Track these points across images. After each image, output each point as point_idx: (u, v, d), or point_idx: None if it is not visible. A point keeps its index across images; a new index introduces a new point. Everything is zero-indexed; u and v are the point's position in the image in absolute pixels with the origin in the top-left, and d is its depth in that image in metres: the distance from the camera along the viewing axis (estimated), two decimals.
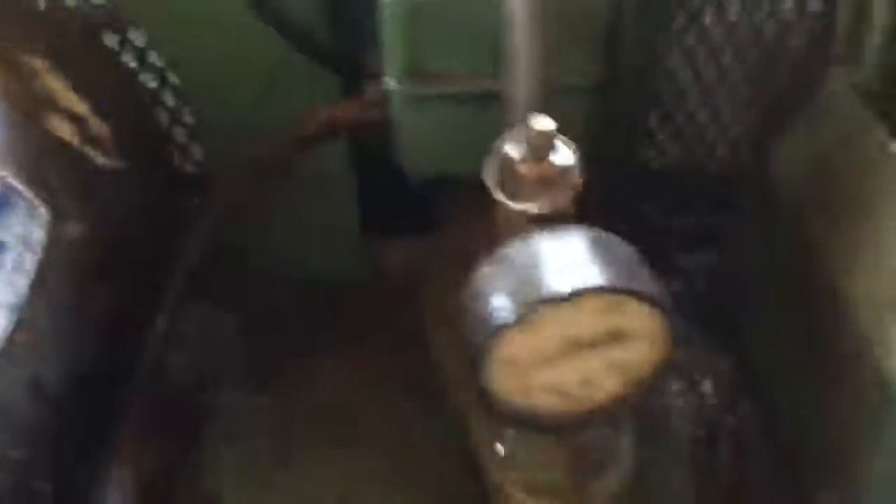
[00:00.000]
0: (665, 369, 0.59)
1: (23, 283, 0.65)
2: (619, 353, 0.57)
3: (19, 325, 0.62)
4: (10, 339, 0.61)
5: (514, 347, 0.55)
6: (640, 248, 0.81)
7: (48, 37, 0.83)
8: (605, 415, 0.60)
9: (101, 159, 0.80)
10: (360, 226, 1.09)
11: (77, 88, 0.81)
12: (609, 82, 0.78)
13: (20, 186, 0.69)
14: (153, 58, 0.97)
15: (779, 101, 0.87)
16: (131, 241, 0.80)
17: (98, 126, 0.82)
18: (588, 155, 0.64)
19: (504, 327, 0.54)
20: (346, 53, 0.92)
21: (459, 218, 0.86)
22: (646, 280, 0.56)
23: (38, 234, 0.68)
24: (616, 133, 0.88)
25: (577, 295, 0.53)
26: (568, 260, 0.55)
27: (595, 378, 0.58)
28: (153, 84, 0.98)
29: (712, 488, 0.85)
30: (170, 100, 1.00)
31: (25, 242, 0.67)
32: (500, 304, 0.55)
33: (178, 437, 0.89)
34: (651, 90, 0.95)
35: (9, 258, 0.65)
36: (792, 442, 0.81)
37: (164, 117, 1.00)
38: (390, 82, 0.77)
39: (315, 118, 0.84)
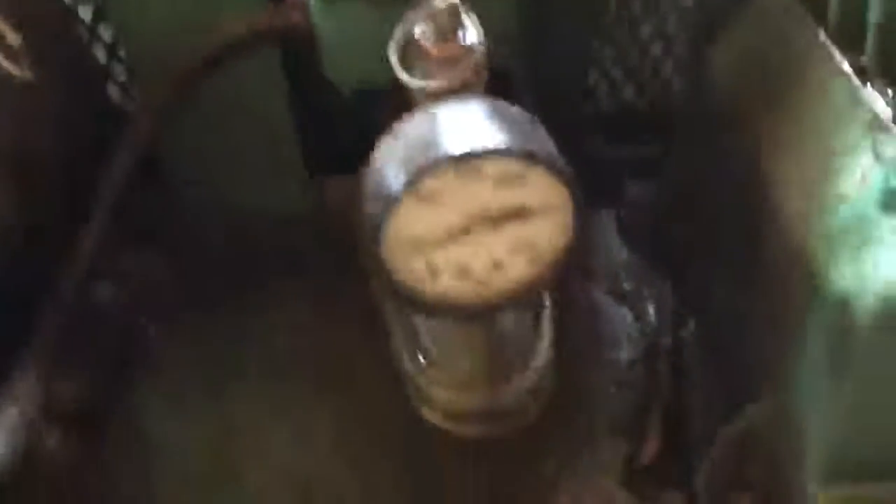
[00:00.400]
0: (573, 253, 0.56)
1: None
2: (525, 231, 0.55)
3: None
4: None
5: (411, 221, 0.53)
6: (585, 177, 0.79)
7: None
8: (516, 302, 0.58)
9: (12, 69, 0.78)
10: (303, 163, 1.07)
11: None
12: None
13: None
14: None
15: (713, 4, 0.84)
16: (48, 155, 0.77)
17: (10, 35, 0.79)
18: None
19: (397, 198, 0.51)
20: None
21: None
22: (547, 147, 0.53)
23: None
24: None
25: (470, 157, 0.51)
26: (462, 126, 0.52)
27: (503, 260, 0.56)
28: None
29: (651, 407, 0.83)
30: (86, 12, 0.97)
31: None
32: (393, 174, 0.52)
33: (103, 369, 0.87)
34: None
35: None
36: (728, 358, 0.79)
37: (101, 53, 0.99)
38: None
39: (238, 25, 0.81)
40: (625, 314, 0.92)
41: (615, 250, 1.00)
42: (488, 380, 0.62)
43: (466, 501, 0.74)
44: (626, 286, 0.96)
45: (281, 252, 1.02)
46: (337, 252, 0.94)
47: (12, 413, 0.61)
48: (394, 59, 0.59)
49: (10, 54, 0.79)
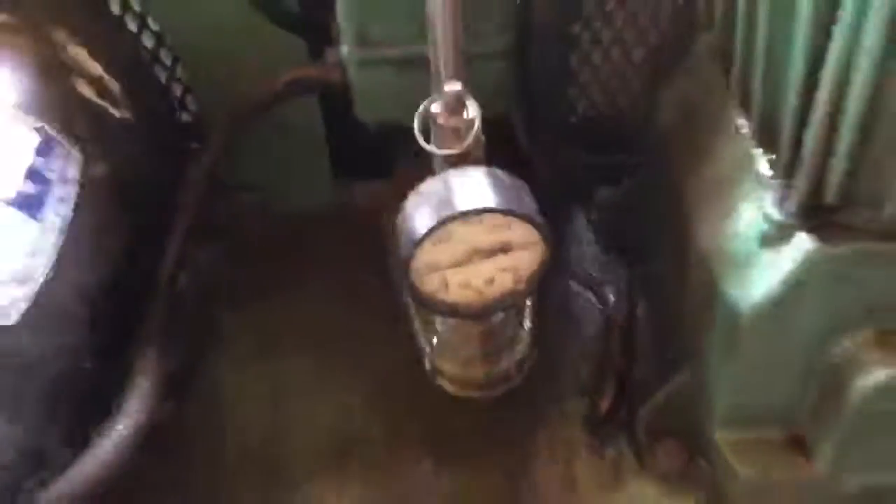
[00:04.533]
0: (545, 271, 0.80)
1: (66, 210, 0.85)
2: (510, 260, 0.79)
3: (66, 241, 0.83)
4: (60, 251, 0.82)
5: (432, 254, 0.76)
6: (563, 184, 1.02)
7: (67, 11, 1.01)
8: (505, 305, 0.82)
9: (114, 111, 1.00)
10: (330, 170, 1.31)
11: (92, 53, 1.00)
12: (522, 46, 0.98)
13: (57, 135, 0.89)
14: (151, 23, 1.17)
15: (663, 54, 1.06)
16: (144, 179, 1.00)
17: (111, 83, 1.01)
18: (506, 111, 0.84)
19: (421, 239, 0.75)
20: (309, 22, 1.12)
21: (408, 165, 1.06)
22: (528, 204, 0.77)
23: (73, 173, 0.88)
24: (539, 88, 1.08)
25: (474, 213, 0.74)
26: (469, 189, 0.76)
27: (495, 278, 0.80)
28: (150, 44, 1.18)
29: (607, 372, 1.08)
30: (166, 58, 1.20)
31: (64, 179, 0.87)
32: (420, 223, 0.75)
33: (189, 341, 1.11)
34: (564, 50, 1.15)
35: (55, 192, 0.85)
36: (665, 335, 1.04)
37: (162, 74, 1.20)
38: (344, 48, 0.97)
39: (286, 77, 1.04)
40: (589, 297, 1.17)
41: (584, 243, 1.24)
42: (483, 359, 0.87)
43: (470, 448, 1.00)
44: (591, 273, 1.20)
45: (315, 247, 1.26)
46: (361, 247, 1.18)
47: (144, 384, 0.85)
48: (417, 127, 0.82)
49: (111, 99, 1.02)
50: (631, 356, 1.06)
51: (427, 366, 0.89)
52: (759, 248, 0.80)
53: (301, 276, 1.23)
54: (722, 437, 0.90)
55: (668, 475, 0.97)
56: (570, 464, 1.01)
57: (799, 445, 0.89)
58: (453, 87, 0.80)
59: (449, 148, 0.81)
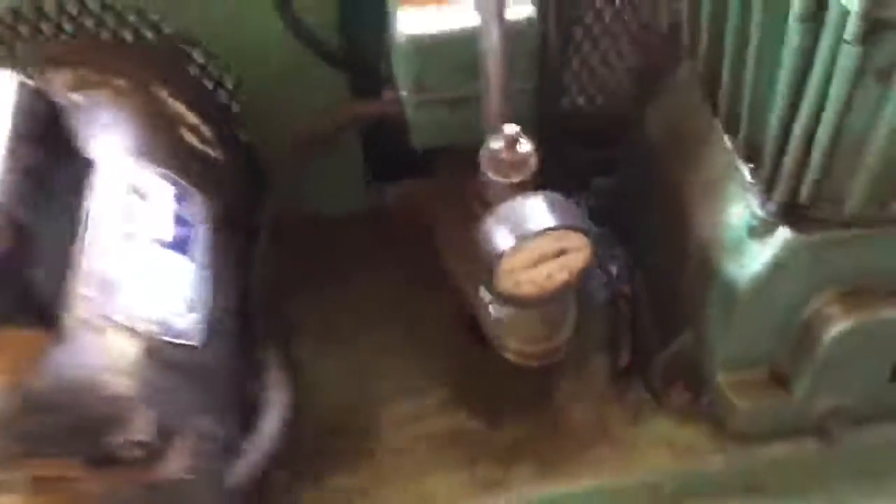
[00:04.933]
0: (590, 266, 1.05)
1: (204, 246, 1.06)
2: (565, 261, 1.03)
3: (211, 273, 1.04)
4: (210, 281, 1.03)
5: (510, 263, 1.00)
6: (567, 175, 1.26)
7: (164, 72, 1.21)
8: (560, 294, 1.07)
9: (213, 154, 1.20)
10: (363, 172, 1.51)
11: (187, 105, 1.20)
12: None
13: (183, 181, 1.09)
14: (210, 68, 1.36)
15: (651, 73, 1.30)
16: (240, 211, 1.21)
17: (205, 130, 1.21)
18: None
19: (506, 252, 0.99)
20: (357, 60, 1.33)
21: (450, 167, 1.27)
22: (579, 217, 1.01)
23: (202, 213, 1.09)
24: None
25: (541, 231, 0.98)
26: (536, 212, 0.99)
27: (553, 274, 1.04)
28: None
29: (620, 333, 1.34)
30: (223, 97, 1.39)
31: (199, 220, 1.07)
32: (501, 241, 0.99)
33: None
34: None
35: (196, 233, 1.05)
36: (663, 303, 1.30)
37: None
38: (402, 92, 1.19)
39: (348, 110, 1.25)
40: (597, 271, 1.42)
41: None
42: (542, 337, 1.11)
43: (522, 404, 1.25)
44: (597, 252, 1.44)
45: (355, 245, 1.47)
46: (398, 246, 1.40)
47: (282, 377, 1.08)
48: (484, 164, 1.05)
49: (209, 143, 1.21)
50: (638, 319, 1.32)
51: (494, 342, 1.14)
52: (748, 238, 1.06)
53: (346, 270, 1.44)
54: (722, 378, 1.18)
55: (680, 411, 1.24)
56: (600, 409, 1.27)
57: (781, 381, 1.17)
58: (511, 129, 1.04)
59: (508, 177, 1.05)
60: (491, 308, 1.12)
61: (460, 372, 1.32)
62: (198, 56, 1.32)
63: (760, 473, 1.22)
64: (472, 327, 1.25)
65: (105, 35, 1.28)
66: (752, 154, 1.07)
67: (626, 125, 1.38)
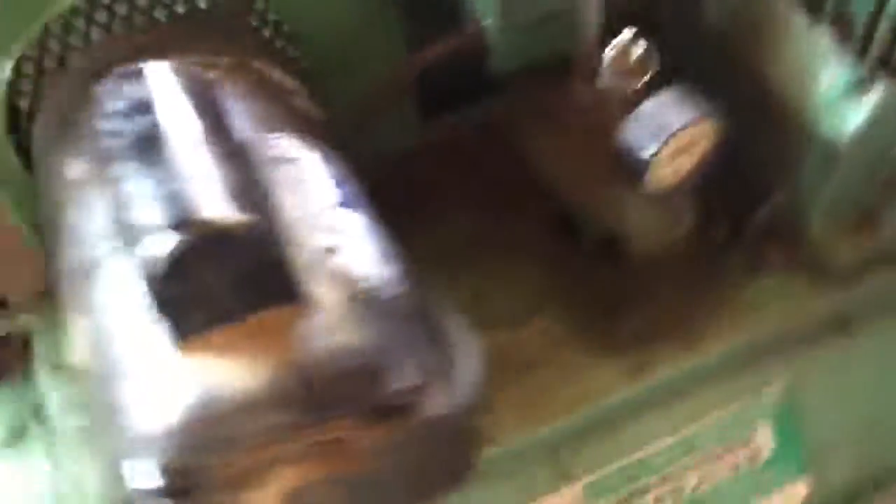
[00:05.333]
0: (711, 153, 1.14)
1: (362, 202, 1.09)
2: (698, 147, 1.12)
3: (373, 220, 1.07)
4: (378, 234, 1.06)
5: (659, 161, 1.08)
6: None
7: (248, 41, 1.21)
8: (690, 179, 1.16)
9: (314, 114, 1.21)
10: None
11: (282, 70, 1.20)
12: None
13: (316, 144, 1.11)
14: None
15: None
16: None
17: (303, 93, 1.22)
18: None
19: (655, 151, 1.07)
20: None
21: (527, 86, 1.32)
22: (705, 107, 1.09)
23: (341, 171, 1.11)
24: None
25: (684, 126, 1.07)
26: (675, 108, 1.07)
27: (687, 161, 1.13)
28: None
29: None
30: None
31: (346, 179, 1.10)
32: (646, 139, 1.07)
33: None
34: None
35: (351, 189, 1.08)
36: (754, 167, 1.38)
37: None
38: (486, 19, 1.22)
39: (434, 49, 1.27)
40: None
41: None
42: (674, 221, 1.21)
43: None
44: None
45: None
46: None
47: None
48: (607, 65, 1.11)
49: (306, 103, 1.22)
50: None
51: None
52: (845, 96, 1.17)
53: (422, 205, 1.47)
54: (817, 228, 1.30)
55: (780, 267, 1.36)
56: (708, 272, 1.37)
57: (868, 221, 1.30)
58: (627, 32, 1.10)
59: (632, 80, 1.12)
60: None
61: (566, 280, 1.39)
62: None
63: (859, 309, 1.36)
64: (573, 233, 1.33)
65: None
66: (839, 31, 1.16)
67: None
